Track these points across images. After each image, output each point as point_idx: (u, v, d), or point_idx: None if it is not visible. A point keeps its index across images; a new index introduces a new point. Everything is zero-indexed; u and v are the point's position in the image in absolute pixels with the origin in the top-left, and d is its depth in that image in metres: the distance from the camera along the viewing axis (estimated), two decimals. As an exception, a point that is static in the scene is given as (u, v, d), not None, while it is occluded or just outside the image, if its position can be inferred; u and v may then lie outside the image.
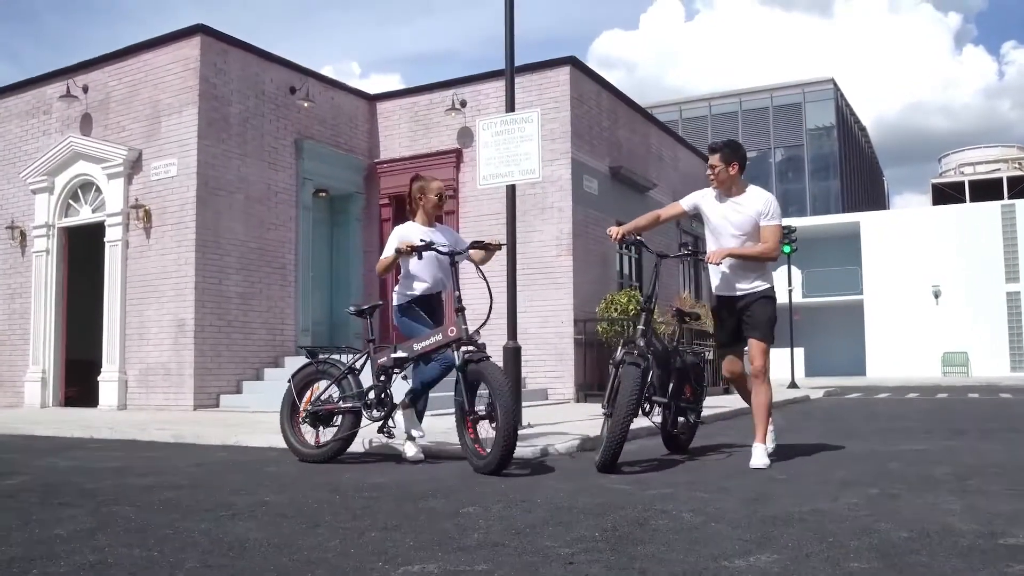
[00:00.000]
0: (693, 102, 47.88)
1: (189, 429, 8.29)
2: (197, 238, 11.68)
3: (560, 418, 9.23)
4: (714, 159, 5.80)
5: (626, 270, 15.57)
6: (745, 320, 5.85)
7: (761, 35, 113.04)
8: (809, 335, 34.81)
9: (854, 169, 50.44)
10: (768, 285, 5.89)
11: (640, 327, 5.64)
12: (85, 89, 12.99)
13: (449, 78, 14.64)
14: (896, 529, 3.52)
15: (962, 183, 47.15)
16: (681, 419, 6.31)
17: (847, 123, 48.31)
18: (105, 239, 12.55)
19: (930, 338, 33.74)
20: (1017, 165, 48.30)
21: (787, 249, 22.29)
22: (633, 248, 7.29)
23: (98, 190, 12.85)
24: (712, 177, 5.82)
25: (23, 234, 13.61)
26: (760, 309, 5.82)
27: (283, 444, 7.33)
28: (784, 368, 22.24)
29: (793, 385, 21.37)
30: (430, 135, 14.50)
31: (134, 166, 12.41)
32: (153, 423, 9.10)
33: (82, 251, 13.38)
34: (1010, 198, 41.76)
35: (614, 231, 5.83)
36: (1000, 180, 46.15)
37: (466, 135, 14.05)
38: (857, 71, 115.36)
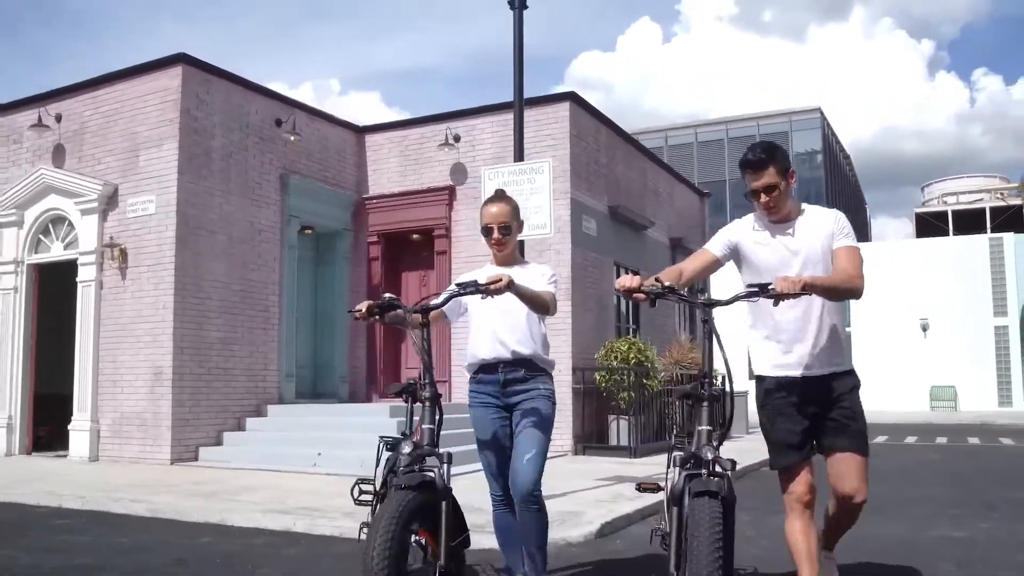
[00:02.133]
0: (679, 129, 47.61)
1: (166, 500, 7.60)
2: (176, 281, 10.99)
3: (564, 484, 8.55)
4: (767, 176, 3.72)
5: (622, 314, 15.00)
6: (833, 421, 3.80)
7: (737, 59, 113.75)
8: (796, 367, 34.28)
9: (839, 198, 50.38)
10: (852, 366, 3.94)
11: (702, 427, 3.41)
12: (58, 118, 12.28)
13: (441, 111, 14.11)
14: None
15: (945, 213, 47.17)
16: None
17: (832, 152, 48.29)
18: (77, 279, 11.81)
19: (918, 371, 33.40)
20: (999, 196, 48.41)
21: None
22: (659, 299, 3.59)
23: (71, 226, 12.13)
24: (771, 206, 3.76)
25: (-10, 270, 12.84)
26: (857, 400, 3.83)
27: (272, 525, 6.70)
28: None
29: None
30: (421, 170, 13.90)
31: (109, 202, 11.71)
32: (127, 488, 8.39)
33: (54, 289, 12.63)
34: (993, 229, 41.78)
35: (628, 281, 3.55)
36: (983, 210, 46.19)
37: (459, 171, 13.47)
38: (832, 96, 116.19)
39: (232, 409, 11.67)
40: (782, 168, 3.74)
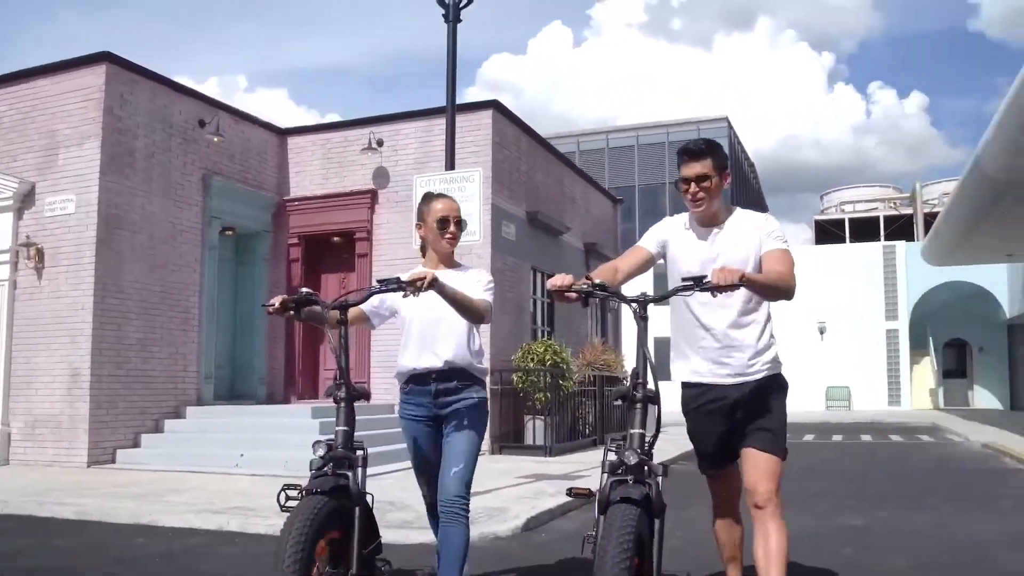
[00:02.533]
0: (591, 135, 48.44)
1: (93, 503, 7.62)
2: (96, 282, 10.89)
3: (487, 482, 8.83)
4: (702, 165, 3.69)
5: (538, 317, 15.40)
6: (753, 424, 3.72)
7: (646, 65, 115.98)
8: (701, 368, 35.31)
9: (743, 206, 52.00)
10: (780, 367, 3.84)
11: (635, 429, 3.24)
12: (-30, 114, 12.03)
13: (361, 115, 14.31)
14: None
15: (843, 220, 49.11)
16: None
17: (738, 160, 49.81)
18: (-10, 278, 11.61)
19: (815, 373, 34.77)
20: (892, 205, 50.65)
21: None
22: (590, 297, 3.44)
23: (-17, 224, 11.88)
24: (699, 196, 3.71)
25: None
26: (776, 403, 3.75)
27: (206, 524, 6.80)
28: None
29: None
30: (344, 173, 14.03)
31: (25, 200, 11.52)
32: (49, 491, 8.35)
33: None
34: (887, 237, 43.74)
35: (559, 280, 3.40)
36: (878, 219, 48.27)
37: (382, 175, 13.65)
38: (737, 104, 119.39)
39: (150, 411, 11.62)
40: (719, 164, 3.71)
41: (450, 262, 4.12)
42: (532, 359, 13.05)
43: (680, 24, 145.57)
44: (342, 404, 3.58)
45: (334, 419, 3.80)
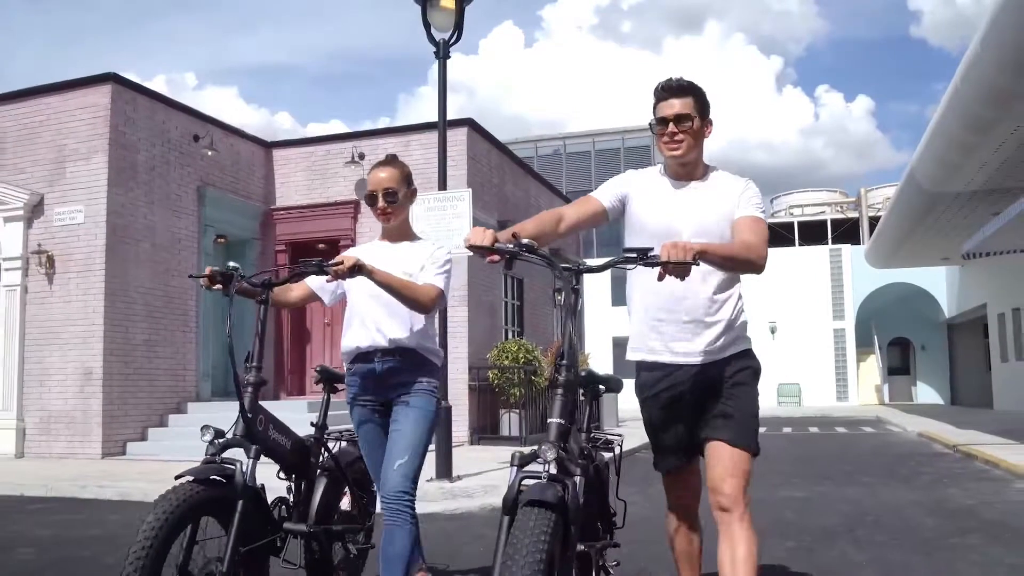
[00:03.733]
0: (547, 140, 49.77)
1: (131, 486, 8.54)
2: (106, 287, 11.78)
3: (475, 467, 9.91)
4: (682, 104, 3.21)
5: (510, 319, 16.48)
6: (717, 411, 3.19)
7: (597, 67, 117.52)
8: (658, 367, 36.59)
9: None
10: (750, 346, 3.35)
11: (555, 419, 2.67)
12: (-22, 128, 12.82)
13: (347, 131, 15.29)
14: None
15: (792, 224, 50.83)
16: None
17: (691, 165, 51.37)
18: (1, 283, 12.40)
19: (766, 370, 36.04)
20: (839, 209, 52.52)
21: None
22: (514, 262, 2.98)
23: (-7, 233, 12.67)
24: (673, 135, 3.20)
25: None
26: (744, 392, 3.23)
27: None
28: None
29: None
30: (327, 185, 15.00)
31: (35, 210, 12.34)
32: (80, 478, 9.24)
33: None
34: (834, 239, 45.47)
35: (478, 238, 2.90)
36: (825, 222, 50.07)
37: (363, 186, 14.53)
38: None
39: (155, 407, 12.51)
40: (702, 107, 3.24)
41: (401, 235, 3.85)
42: (506, 357, 14.13)
43: (630, 27, 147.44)
44: (248, 389, 3.38)
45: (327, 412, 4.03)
